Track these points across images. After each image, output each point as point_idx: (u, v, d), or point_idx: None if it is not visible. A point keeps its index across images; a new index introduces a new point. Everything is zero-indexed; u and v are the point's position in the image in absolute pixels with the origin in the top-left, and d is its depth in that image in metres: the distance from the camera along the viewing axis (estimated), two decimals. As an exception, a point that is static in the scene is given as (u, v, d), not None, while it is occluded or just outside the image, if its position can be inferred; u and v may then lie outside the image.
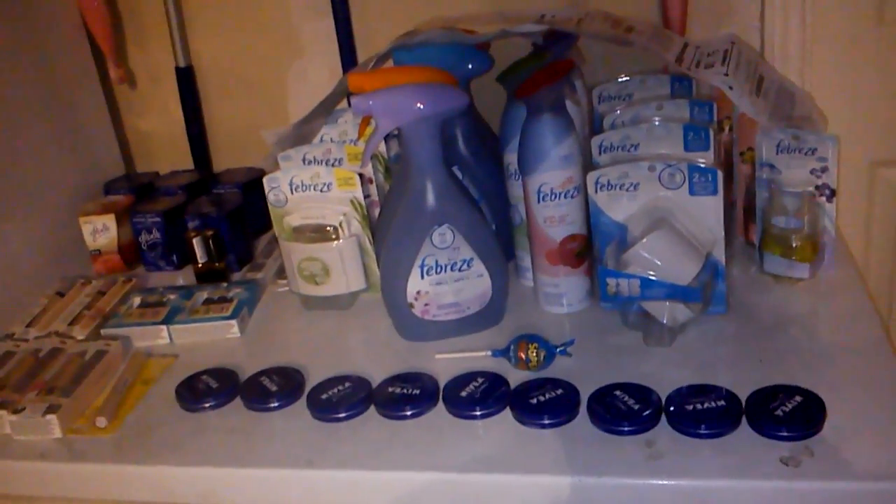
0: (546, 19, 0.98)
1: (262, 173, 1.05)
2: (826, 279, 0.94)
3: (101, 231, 1.18)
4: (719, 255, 0.88)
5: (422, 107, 0.86)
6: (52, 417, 0.84)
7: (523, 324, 0.94)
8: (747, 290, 0.94)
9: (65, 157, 1.25)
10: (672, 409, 0.75)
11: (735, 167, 1.03)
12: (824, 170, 0.92)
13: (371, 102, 0.87)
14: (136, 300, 1.06)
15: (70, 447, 0.84)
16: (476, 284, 0.92)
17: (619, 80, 1.05)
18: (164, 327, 1.00)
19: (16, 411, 0.86)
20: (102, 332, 1.01)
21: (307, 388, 0.86)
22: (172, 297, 1.06)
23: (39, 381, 0.90)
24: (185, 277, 1.18)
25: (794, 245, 0.92)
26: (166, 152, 1.39)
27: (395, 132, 0.92)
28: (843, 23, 1.12)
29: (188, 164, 1.37)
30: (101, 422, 0.85)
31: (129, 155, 1.41)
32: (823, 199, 0.93)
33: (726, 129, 1.02)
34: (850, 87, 1.14)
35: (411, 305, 0.92)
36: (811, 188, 0.93)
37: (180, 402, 0.88)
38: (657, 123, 0.94)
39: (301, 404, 0.85)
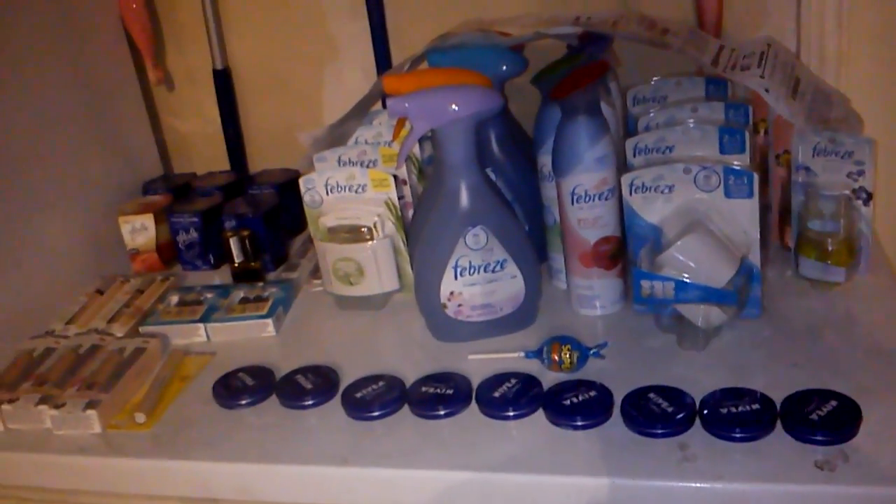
0: (581, 21, 0.98)
1: (298, 174, 1.06)
2: (862, 283, 0.94)
3: (140, 230, 1.20)
4: (754, 258, 0.87)
5: (457, 108, 0.86)
6: (92, 413, 0.86)
7: (556, 326, 0.94)
8: (782, 293, 0.94)
9: (104, 157, 1.27)
10: (706, 412, 0.75)
11: (770, 170, 1.02)
12: (861, 173, 0.92)
13: (407, 104, 0.87)
14: (174, 298, 1.08)
15: (109, 442, 0.86)
16: (509, 286, 0.92)
17: (653, 81, 1.05)
18: (201, 325, 1.01)
19: (57, 406, 0.87)
20: (141, 329, 1.03)
21: (341, 387, 0.87)
22: (209, 295, 1.07)
23: (79, 377, 0.92)
24: (221, 276, 1.19)
25: (830, 249, 0.91)
26: (203, 153, 1.41)
27: (429, 134, 0.93)
28: (880, 25, 1.11)
29: (224, 164, 1.38)
30: (140, 417, 0.87)
31: (166, 155, 1.43)
32: (860, 202, 0.92)
33: (762, 131, 1.01)
34: (888, 89, 1.13)
35: (444, 306, 0.92)
36: (848, 191, 0.92)
37: (217, 399, 0.89)
38: (692, 126, 0.94)
39: (335, 403, 0.86)
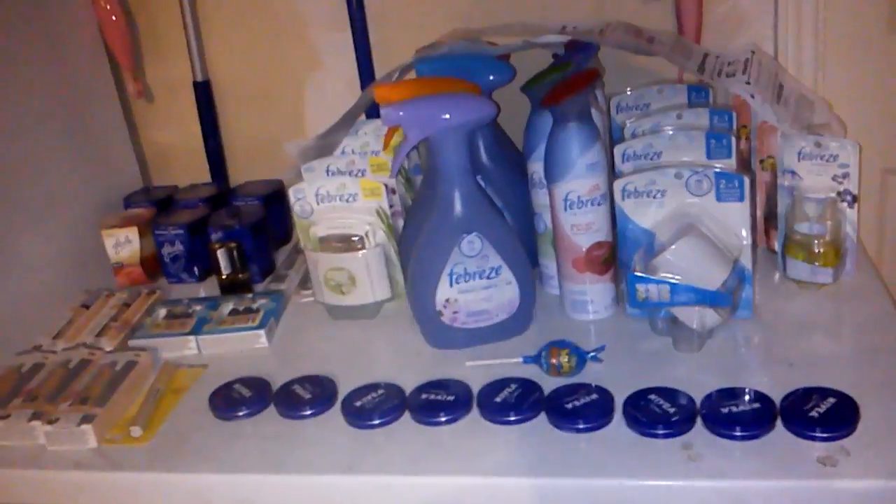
0: (568, 30, 1.00)
1: (281, 186, 1.05)
2: (849, 284, 0.96)
3: (124, 243, 1.18)
4: (746, 260, 0.89)
5: (452, 117, 0.87)
6: (87, 427, 0.85)
7: (550, 331, 0.94)
8: (772, 295, 0.96)
9: (84, 170, 1.25)
10: (707, 412, 0.76)
11: (755, 175, 1.04)
12: (846, 176, 0.94)
13: (402, 113, 0.88)
14: (162, 312, 1.07)
15: (105, 456, 0.85)
16: (504, 292, 0.93)
17: (630, 90, 1.06)
18: (192, 338, 1.00)
19: (50, 422, 0.86)
20: (130, 343, 1.02)
21: (340, 396, 0.87)
22: (198, 308, 1.06)
23: (72, 392, 0.91)
24: (207, 289, 1.18)
25: (817, 251, 0.93)
26: (184, 166, 1.39)
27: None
28: (855, 31, 1.14)
29: (205, 177, 1.37)
30: (136, 431, 0.85)
31: (146, 168, 1.42)
32: (845, 204, 0.94)
33: (743, 137, 1.03)
34: (863, 95, 1.16)
35: (440, 313, 0.93)
36: (833, 194, 0.94)
37: (214, 411, 0.88)
38: (679, 131, 0.95)
39: (335, 412, 0.85)
